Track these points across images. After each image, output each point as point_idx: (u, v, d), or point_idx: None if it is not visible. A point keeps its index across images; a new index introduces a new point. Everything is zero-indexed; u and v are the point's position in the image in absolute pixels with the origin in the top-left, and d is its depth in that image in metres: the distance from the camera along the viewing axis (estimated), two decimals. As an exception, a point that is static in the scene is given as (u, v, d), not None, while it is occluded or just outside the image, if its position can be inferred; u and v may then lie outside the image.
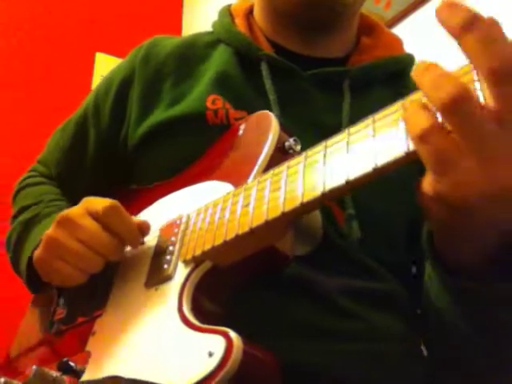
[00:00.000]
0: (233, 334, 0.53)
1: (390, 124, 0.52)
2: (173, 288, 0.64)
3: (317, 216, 0.69)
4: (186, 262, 0.65)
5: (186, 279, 0.63)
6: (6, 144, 2.22)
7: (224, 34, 0.91)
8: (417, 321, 0.77)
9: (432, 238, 0.60)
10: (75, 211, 0.73)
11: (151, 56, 0.91)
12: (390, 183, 0.69)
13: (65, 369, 0.66)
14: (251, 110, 0.79)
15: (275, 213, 0.58)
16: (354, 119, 0.58)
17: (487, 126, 0.44)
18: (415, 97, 0.50)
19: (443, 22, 0.45)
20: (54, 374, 0.66)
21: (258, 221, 0.59)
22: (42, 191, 0.97)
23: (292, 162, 0.61)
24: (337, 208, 0.75)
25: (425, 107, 0.47)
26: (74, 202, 0.89)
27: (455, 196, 0.47)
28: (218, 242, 0.62)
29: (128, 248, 0.74)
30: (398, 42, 0.94)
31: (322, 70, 0.86)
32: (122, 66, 0.96)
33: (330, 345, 0.69)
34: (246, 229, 0.60)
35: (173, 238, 0.69)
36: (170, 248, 0.68)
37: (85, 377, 0.64)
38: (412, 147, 0.48)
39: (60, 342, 0.76)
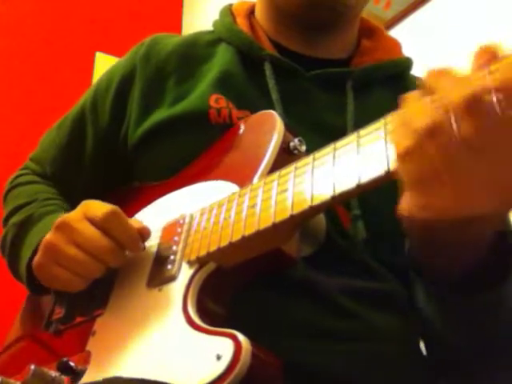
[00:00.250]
0: (241, 337, 0.53)
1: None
2: (177, 289, 0.63)
3: (321, 217, 0.69)
4: (190, 263, 0.64)
5: (191, 280, 0.63)
6: (6, 144, 2.20)
7: (225, 33, 0.91)
8: (417, 321, 0.77)
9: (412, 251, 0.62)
10: (74, 216, 0.71)
11: (152, 54, 0.90)
12: (396, 183, 0.69)
13: (64, 369, 0.65)
14: (254, 110, 0.79)
15: (283, 215, 0.57)
16: (359, 119, 0.58)
17: (463, 154, 0.44)
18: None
19: None
20: (53, 373, 0.65)
21: (266, 223, 0.58)
22: (35, 190, 0.94)
23: (299, 163, 0.61)
24: (341, 208, 0.75)
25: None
26: (71, 201, 0.88)
27: (427, 216, 0.48)
28: (224, 243, 0.61)
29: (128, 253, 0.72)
30: (397, 45, 0.95)
31: (325, 70, 0.86)
32: (121, 63, 0.94)
33: (330, 345, 0.69)
34: (253, 230, 0.59)
35: (176, 238, 0.68)
36: (173, 248, 0.68)
37: (86, 378, 0.63)
38: None
39: (59, 341, 0.75)
